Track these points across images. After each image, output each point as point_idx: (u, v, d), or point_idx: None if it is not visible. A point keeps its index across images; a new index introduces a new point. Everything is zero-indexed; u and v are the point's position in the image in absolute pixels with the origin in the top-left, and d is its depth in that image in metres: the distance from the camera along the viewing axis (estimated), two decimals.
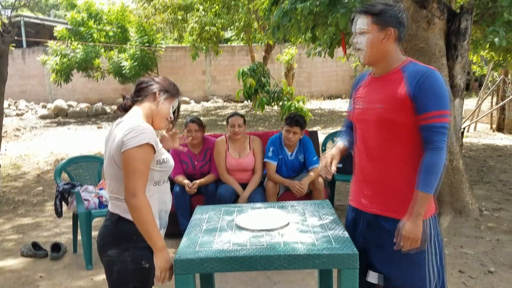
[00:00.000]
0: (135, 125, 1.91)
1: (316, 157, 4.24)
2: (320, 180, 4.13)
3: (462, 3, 4.87)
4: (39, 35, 20.24)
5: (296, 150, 4.25)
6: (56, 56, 15.17)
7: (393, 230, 2.00)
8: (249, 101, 8.26)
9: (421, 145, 1.96)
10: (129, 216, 1.94)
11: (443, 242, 2.14)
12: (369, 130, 2.09)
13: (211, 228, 2.27)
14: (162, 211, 2.08)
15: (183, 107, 17.83)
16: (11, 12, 6.44)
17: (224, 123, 12.62)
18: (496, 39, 4.67)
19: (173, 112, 2.16)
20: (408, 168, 2.00)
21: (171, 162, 2.09)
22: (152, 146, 1.90)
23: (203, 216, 2.49)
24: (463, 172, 4.63)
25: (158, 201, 2.04)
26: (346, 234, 2.08)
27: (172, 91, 2.10)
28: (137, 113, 2.02)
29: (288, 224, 2.24)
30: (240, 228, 2.23)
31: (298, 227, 2.21)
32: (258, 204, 2.67)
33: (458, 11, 4.76)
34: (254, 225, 2.22)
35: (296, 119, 4.11)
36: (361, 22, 2.00)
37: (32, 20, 19.16)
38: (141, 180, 1.87)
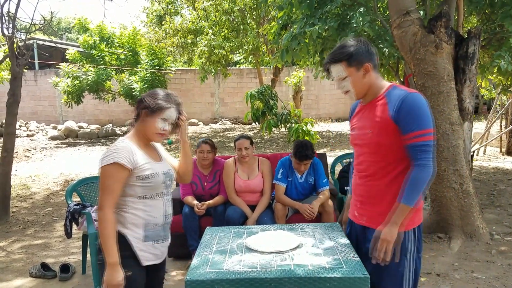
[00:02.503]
0: (113, 144, 2.09)
1: (326, 179, 4.24)
2: (330, 202, 4.12)
3: (469, 28, 4.91)
4: (51, 57, 20.60)
5: (306, 173, 4.26)
6: (67, 78, 15.42)
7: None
8: (257, 123, 8.31)
9: (406, 163, 2.08)
10: (118, 225, 2.08)
11: (421, 260, 2.21)
12: (362, 153, 2.24)
13: (221, 249, 2.28)
14: (150, 224, 2.15)
15: (191, 128, 17.95)
16: (25, 36, 6.60)
17: (232, 144, 12.71)
18: (503, 63, 4.70)
19: (173, 123, 2.22)
20: (394, 185, 2.10)
21: (158, 178, 2.15)
22: (121, 165, 2.01)
23: (213, 237, 2.50)
24: (473, 196, 4.60)
25: (145, 214, 2.13)
26: (357, 257, 2.08)
27: (153, 107, 2.15)
28: (130, 132, 2.20)
29: (298, 246, 2.25)
30: (250, 250, 2.23)
31: (308, 249, 2.21)
32: (268, 226, 2.68)
33: (465, 36, 4.81)
34: (264, 247, 2.23)
35: (305, 154, 4.04)
36: (337, 70, 2.13)
37: (44, 43, 19.54)
38: (108, 196, 2.01)
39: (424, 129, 1.99)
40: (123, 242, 2.06)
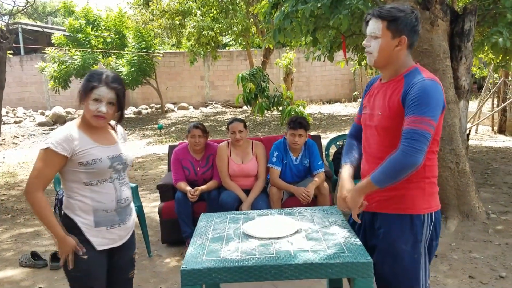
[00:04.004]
0: (56, 129, 2.11)
1: (321, 161, 4.17)
2: (325, 185, 4.05)
3: (465, 4, 4.81)
4: (37, 42, 20.16)
5: (301, 155, 4.18)
6: (54, 63, 15.11)
7: (383, 228, 2.02)
8: (248, 106, 8.19)
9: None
10: (68, 211, 2.11)
11: (435, 248, 2.08)
12: (372, 136, 2.08)
13: (217, 236, 2.19)
14: (99, 210, 2.13)
15: (181, 112, 17.75)
16: (8, 19, 6.37)
17: (223, 128, 12.59)
18: (500, 40, 4.62)
19: (111, 103, 2.11)
20: None
21: (101, 163, 2.10)
22: (55, 151, 2.00)
23: (209, 223, 2.41)
24: (470, 175, 4.56)
25: (92, 200, 2.11)
26: (359, 241, 2.01)
27: (83, 89, 2.10)
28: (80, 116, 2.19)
29: (297, 231, 2.16)
30: (247, 236, 2.15)
31: (307, 234, 2.13)
32: (265, 211, 2.59)
33: (460, 12, 4.71)
34: (262, 233, 2.15)
35: (299, 122, 4.04)
36: (375, 26, 1.95)
37: (30, 27, 19.10)
38: (37, 179, 2.02)
39: (423, 116, 1.80)
40: (75, 227, 2.10)
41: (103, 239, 2.15)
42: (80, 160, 2.06)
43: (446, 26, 4.54)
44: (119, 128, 2.35)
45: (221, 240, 2.13)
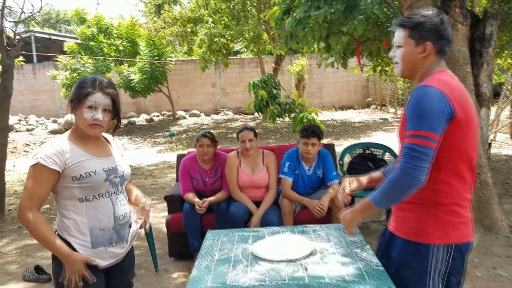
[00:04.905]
0: (46, 143, 1.95)
1: (335, 172, 3.98)
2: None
3: (486, 8, 4.61)
4: (49, 50, 20.30)
5: (314, 165, 4.00)
6: (66, 70, 15.16)
7: (394, 252, 1.87)
8: (260, 113, 8.04)
9: (433, 168, 1.71)
10: (62, 233, 1.94)
11: (456, 285, 1.85)
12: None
13: (224, 258, 2.02)
14: (96, 228, 1.96)
15: (192, 120, 17.66)
16: (16, 26, 6.31)
17: (234, 135, 12.45)
18: None
19: (107, 109, 1.97)
20: (421, 189, 1.70)
21: (96, 176, 1.93)
22: (45, 166, 1.84)
23: (215, 242, 2.24)
24: (492, 186, 4.33)
25: (89, 217, 1.95)
26: (380, 266, 1.82)
27: (75, 97, 1.93)
28: (72, 128, 2.03)
29: (311, 253, 1.98)
30: (257, 258, 1.97)
31: (323, 257, 1.95)
32: (276, 229, 2.42)
33: (481, 16, 4.51)
34: (273, 254, 1.97)
35: (312, 130, 3.87)
36: (398, 36, 1.87)
37: (42, 35, 19.24)
38: (29, 198, 1.86)
39: (419, 130, 1.65)
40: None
41: (102, 259, 1.98)
42: (73, 174, 1.89)
43: (466, 30, 4.34)
44: (114, 140, 2.19)
45: (228, 262, 1.96)
